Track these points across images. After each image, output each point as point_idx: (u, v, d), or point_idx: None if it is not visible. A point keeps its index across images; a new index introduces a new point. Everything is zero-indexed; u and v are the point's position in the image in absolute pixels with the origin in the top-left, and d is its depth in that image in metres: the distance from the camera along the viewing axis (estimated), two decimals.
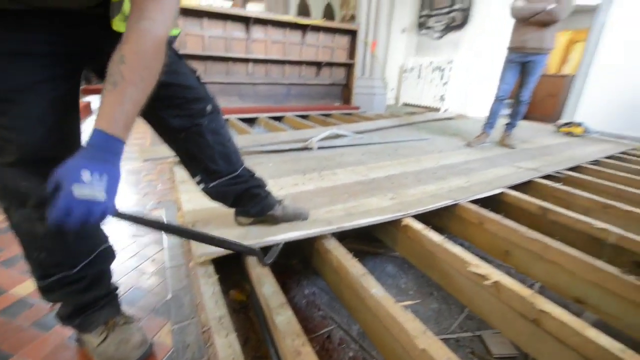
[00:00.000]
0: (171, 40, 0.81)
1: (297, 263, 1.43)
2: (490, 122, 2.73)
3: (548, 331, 0.86)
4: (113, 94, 0.53)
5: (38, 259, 0.69)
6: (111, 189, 0.53)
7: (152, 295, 1.01)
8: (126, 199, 1.67)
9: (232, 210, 1.16)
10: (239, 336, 0.78)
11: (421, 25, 5.64)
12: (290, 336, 0.75)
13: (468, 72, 4.91)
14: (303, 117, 4.15)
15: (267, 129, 3.54)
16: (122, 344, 0.75)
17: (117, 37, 0.56)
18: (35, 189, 0.61)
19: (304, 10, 7.90)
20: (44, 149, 0.62)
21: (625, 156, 2.81)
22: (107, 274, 0.81)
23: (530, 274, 1.32)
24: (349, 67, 4.85)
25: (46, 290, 0.72)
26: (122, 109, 0.53)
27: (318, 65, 4.65)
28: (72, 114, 0.69)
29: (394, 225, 1.37)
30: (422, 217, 1.43)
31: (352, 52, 4.76)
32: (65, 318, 0.76)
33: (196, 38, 3.67)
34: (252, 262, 1.02)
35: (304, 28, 4.31)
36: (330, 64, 4.75)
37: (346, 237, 1.53)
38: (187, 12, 3.52)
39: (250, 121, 3.83)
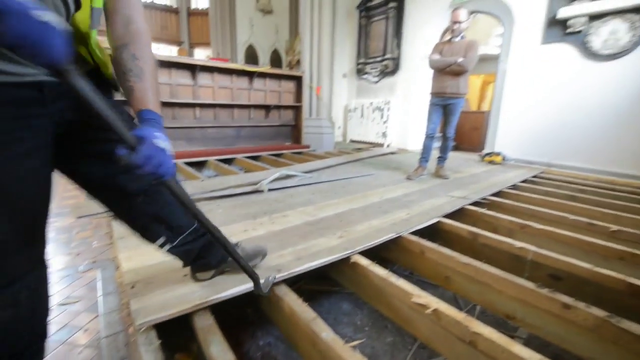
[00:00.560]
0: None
1: (251, 311, 1.40)
2: (424, 157, 3.04)
3: (482, 351, 0.94)
4: (142, 83, 0.67)
5: None
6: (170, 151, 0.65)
7: None
8: (54, 260, 1.51)
9: (175, 266, 1.12)
10: None
11: (359, 71, 6.23)
12: None
13: (404, 111, 5.47)
14: (254, 158, 4.19)
15: (216, 172, 3.50)
16: None
17: None
18: None
19: (252, 54, 8.29)
20: None
21: (536, 179, 3.28)
22: None
23: (469, 297, 1.44)
24: (296, 109, 5.11)
25: None
26: (154, 91, 0.69)
27: (267, 108, 4.82)
28: None
29: (343, 263, 1.42)
30: (371, 252, 1.50)
31: (298, 96, 5.05)
32: None
33: None
34: (198, 320, 0.98)
35: (250, 74, 4.51)
36: (279, 107, 4.96)
37: (301, 279, 1.54)
38: None
39: (199, 164, 3.76)
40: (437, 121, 2.99)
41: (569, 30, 3.57)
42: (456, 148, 5.85)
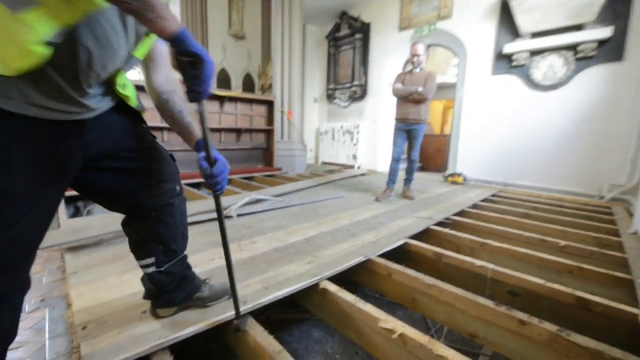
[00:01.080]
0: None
1: (215, 346, 1.33)
2: (391, 179, 3.16)
3: None
4: (192, 119, 0.92)
5: None
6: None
7: None
8: None
9: (133, 302, 1.06)
10: None
11: (330, 96, 6.46)
12: None
13: (373, 134, 5.70)
14: None
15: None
16: None
17: None
18: None
19: (224, 78, 8.32)
20: None
21: (494, 198, 3.50)
22: None
23: (435, 317, 1.47)
24: (268, 132, 5.14)
25: None
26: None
27: (238, 131, 4.81)
28: None
29: (312, 289, 1.41)
30: (340, 276, 1.51)
31: (270, 119, 5.10)
32: None
33: None
34: None
35: (221, 99, 4.52)
36: (250, 130, 4.97)
37: (270, 308, 1.50)
38: None
39: None
40: (402, 145, 3.15)
41: (514, 64, 3.97)
42: (422, 169, 6.13)
